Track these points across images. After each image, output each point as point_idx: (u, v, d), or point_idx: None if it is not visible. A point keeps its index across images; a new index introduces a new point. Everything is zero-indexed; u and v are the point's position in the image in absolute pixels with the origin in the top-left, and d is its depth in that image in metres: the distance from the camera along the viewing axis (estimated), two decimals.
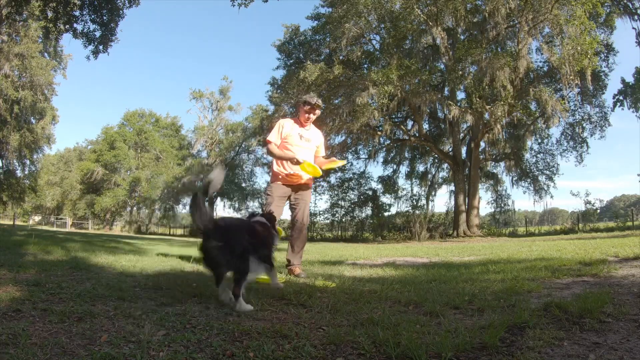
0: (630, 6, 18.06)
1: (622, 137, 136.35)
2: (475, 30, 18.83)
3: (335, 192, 27.22)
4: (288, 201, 3.84)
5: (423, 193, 26.48)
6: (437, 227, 20.63)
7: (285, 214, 4.36)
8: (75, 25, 11.91)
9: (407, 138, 22.61)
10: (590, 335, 1.60)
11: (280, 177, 3.74)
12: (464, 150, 22.16)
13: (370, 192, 26.56)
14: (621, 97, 20.37)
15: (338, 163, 3.79)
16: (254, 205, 34.28)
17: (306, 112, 3.75)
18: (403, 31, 18.43)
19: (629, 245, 5.43)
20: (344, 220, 26.98)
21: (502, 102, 16.47)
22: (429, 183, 26.16)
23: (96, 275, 3.01)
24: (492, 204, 25.46)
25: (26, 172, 30.34)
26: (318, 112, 3.78)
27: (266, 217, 2.77)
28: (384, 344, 1.47)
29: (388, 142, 23.43)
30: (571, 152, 21.58)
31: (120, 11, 12.03)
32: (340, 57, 19.16)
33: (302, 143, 3.73)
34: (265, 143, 3.93)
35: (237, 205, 34.18)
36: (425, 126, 22.85)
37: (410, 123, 23.39)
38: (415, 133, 22.10)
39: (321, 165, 3.72)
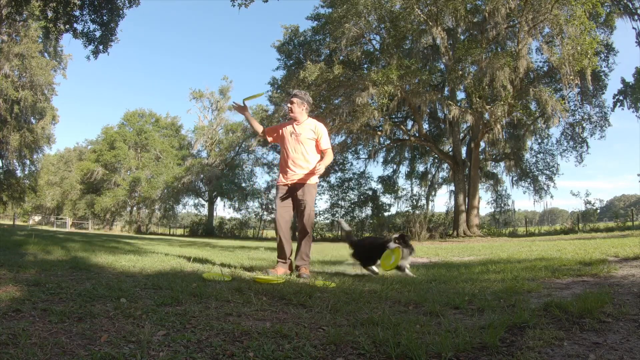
0: (630, 6, 18.07)
1: (621, 137, 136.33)
2: (475, 30, 18.82)
3: (335, 192, 27.27)
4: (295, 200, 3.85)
5: (423, 193, 26.55)
6: (437, 227, 20.60)
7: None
8: (75, 25, 11.91)
9: (407, 138, 22.61)
10: (590, 335, 1.60)
11: (279, 182, 3.89)
12: (464, 150, 22.16)
13: (370, 192, 26.60)
14: (621, 97, 20.37)
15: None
16: (253, 205, 34.21)
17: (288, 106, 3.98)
18: (403, 31, 18.41)
19: (629, 245, 5.43)
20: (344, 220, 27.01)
21: (502, 102, 16.47)
22: (429, 183, 26.17)
23: (96, 275, 3.00)
24: (492, 204, 25.52)
25: (26, 172, 30.36)
26: (294, 99, 3.87)
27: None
28: (384, 344, 1.47)
29: (388, 142, 23.44)
30: (571, 152, 21.61)
31: (120, 11, 12.04)
32: (340, 57, 19.14)
33: (292, 139, 3.87)
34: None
35: (236, 205, 34.14)
36: (425, 126, 22.84)
37: (410, 123, 23.39)
38: (415, 133, 22.09)
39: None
